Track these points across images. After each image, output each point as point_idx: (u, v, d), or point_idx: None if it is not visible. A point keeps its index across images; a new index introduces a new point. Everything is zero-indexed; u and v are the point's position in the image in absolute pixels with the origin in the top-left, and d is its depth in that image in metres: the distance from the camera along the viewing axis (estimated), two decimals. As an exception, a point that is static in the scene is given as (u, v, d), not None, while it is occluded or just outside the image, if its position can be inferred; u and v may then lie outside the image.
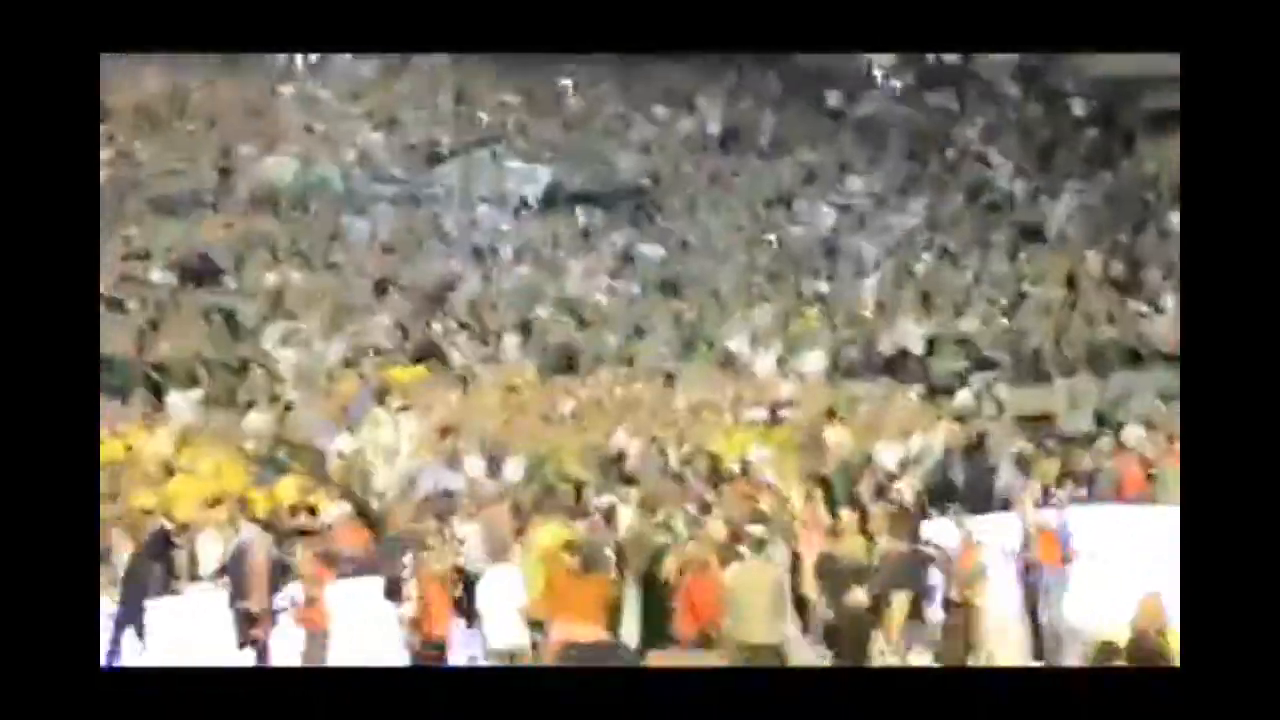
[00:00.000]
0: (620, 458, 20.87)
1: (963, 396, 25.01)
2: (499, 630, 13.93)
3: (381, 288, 28.46)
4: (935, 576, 15.29)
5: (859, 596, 14.22)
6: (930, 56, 42.61)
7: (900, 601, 14.29)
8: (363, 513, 17.95)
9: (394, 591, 14.66)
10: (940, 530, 16.54)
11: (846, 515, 15.96)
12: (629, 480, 19.75)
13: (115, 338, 23.45)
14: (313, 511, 17.86)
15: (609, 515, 16.93)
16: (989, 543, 15.95)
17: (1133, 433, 22.42)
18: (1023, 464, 20.59)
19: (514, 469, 20.30)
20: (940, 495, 19.22)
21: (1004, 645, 15.18)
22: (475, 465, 20.25)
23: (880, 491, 18.34)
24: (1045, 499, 18.42)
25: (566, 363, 26.53)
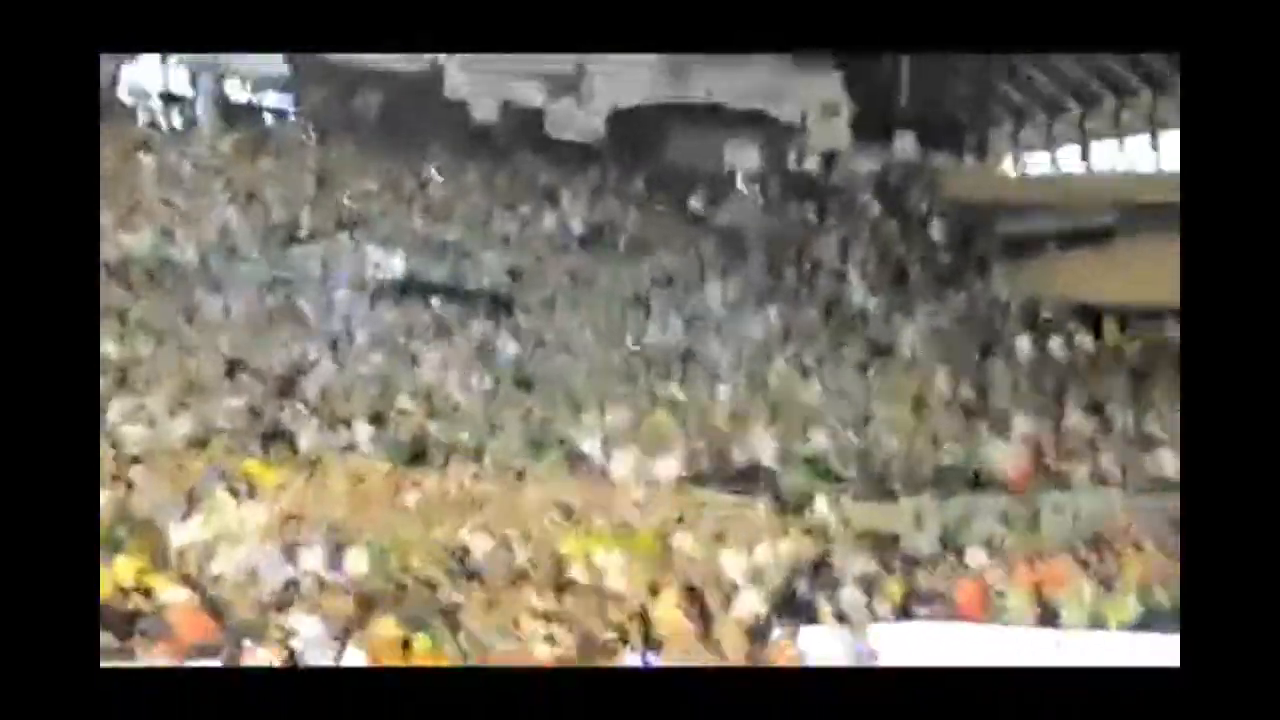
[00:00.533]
0: (465, 554, 20.71)
1: (810, 511, 25.20)
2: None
3: (232, 368, 28.05)
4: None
5: None
6: (792, 166, 43.33)
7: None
8: (204, 599, 17.59)
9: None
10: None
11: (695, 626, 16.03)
12: (473, 577, 19.62)
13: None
14: (148, 594, 17.50)
15: (451, 613, 16.82)
16: (815, 657, 16.07)
17: (975, 555, 22.77)
18: (865, 582, 20.81)
19: (356, 561, 20.04)
20: (785, 609, 19.33)
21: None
22: (317, 556, 19.98)
23: (727, 603, 18.42)
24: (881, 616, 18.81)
25: (417, 454, 26.30)
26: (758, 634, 17.34)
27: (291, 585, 18.77)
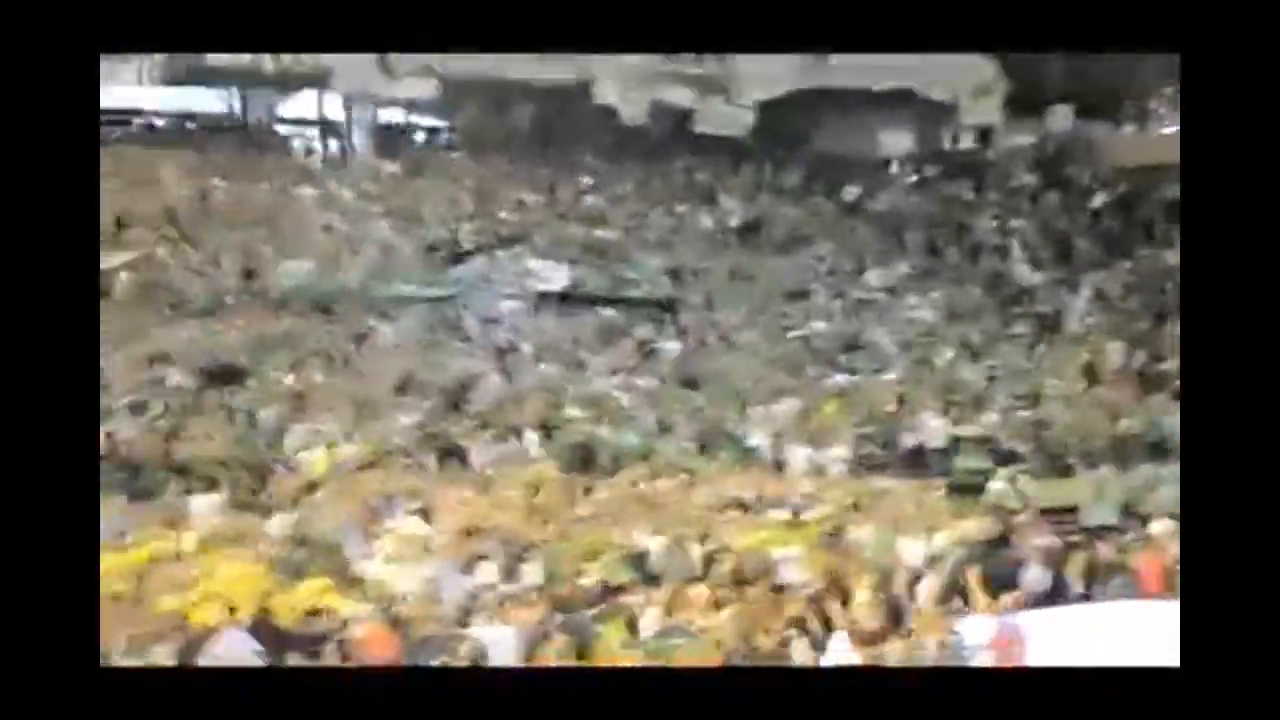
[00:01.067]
0: (643, 556, 20.74)
1: (986, 490, 24.88)
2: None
3: (402, 388, 28.48)
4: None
5: None
6: (948, 146, 42.86)
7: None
8: (388, 618, 17.81)
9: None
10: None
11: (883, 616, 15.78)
12: (653, 579, 19.64)
13: (137, 440, 23.68)
14: (331, 615, 17.77)
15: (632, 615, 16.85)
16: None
17: (1159, 526, 22.28)
18: (1049, 558, 20.47)
19: (535, 570, 20.19)
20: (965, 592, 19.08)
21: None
22: (494, 567, 20.18)
23: (913, 591, 18.23)
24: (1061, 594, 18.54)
25: (587, 460, 26.47)
26: (950, 618, 17.03)
27: (473, 597, 18.94)
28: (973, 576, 18.37)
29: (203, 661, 15.36)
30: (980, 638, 15.34)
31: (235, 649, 15.48)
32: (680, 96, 40.81)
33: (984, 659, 15.15)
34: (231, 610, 17.32)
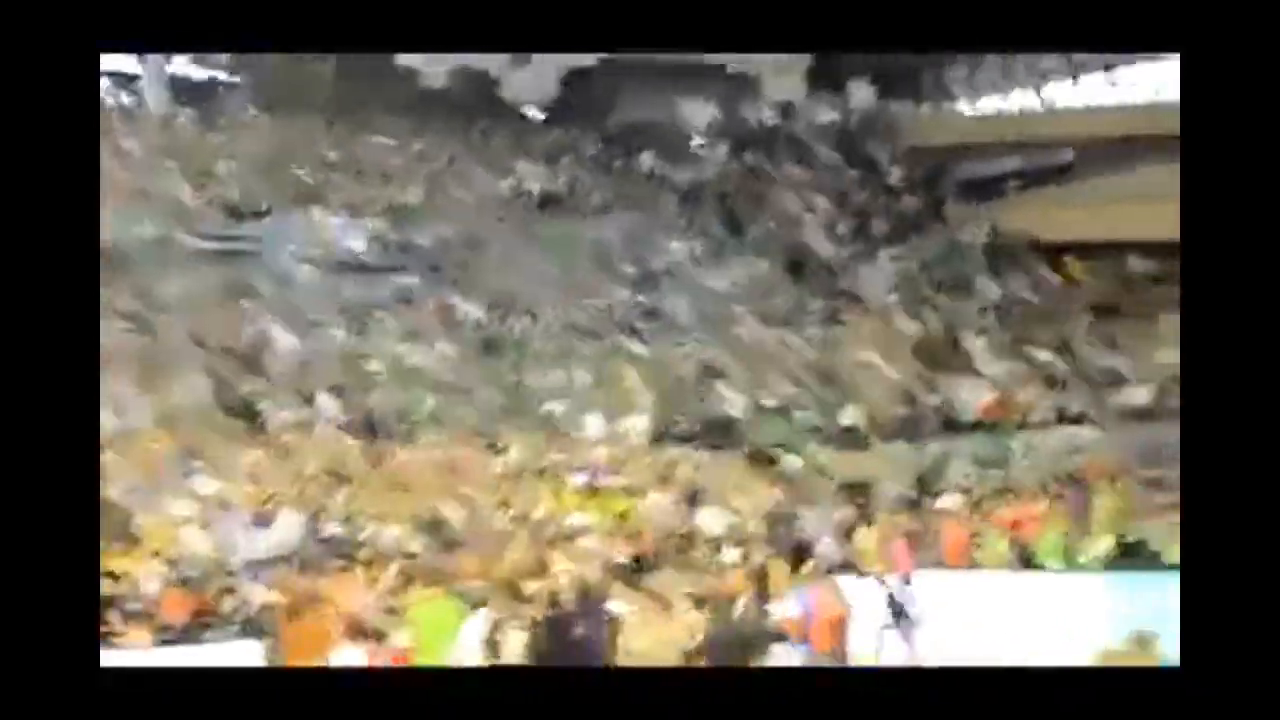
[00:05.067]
0: (441, 523, 20.56)
1: (784, 463, 25.16)
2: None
3: (194, 347, 27.73)
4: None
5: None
6: (750, 120, 43.00)
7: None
8: (182, 580, 17.43)
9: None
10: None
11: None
12: (452, 546, 19.48)
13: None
14: (118, 579, 17.31)
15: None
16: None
17: (950, 500, 22.77)
18: (844, 531, 20.78)
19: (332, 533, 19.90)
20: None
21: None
22: (289, 529, 19.86)
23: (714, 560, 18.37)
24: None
25: (382, 426, 26.16)
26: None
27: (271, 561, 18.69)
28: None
29: None
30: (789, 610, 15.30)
31: None
32: (486, 63, 40.20)
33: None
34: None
